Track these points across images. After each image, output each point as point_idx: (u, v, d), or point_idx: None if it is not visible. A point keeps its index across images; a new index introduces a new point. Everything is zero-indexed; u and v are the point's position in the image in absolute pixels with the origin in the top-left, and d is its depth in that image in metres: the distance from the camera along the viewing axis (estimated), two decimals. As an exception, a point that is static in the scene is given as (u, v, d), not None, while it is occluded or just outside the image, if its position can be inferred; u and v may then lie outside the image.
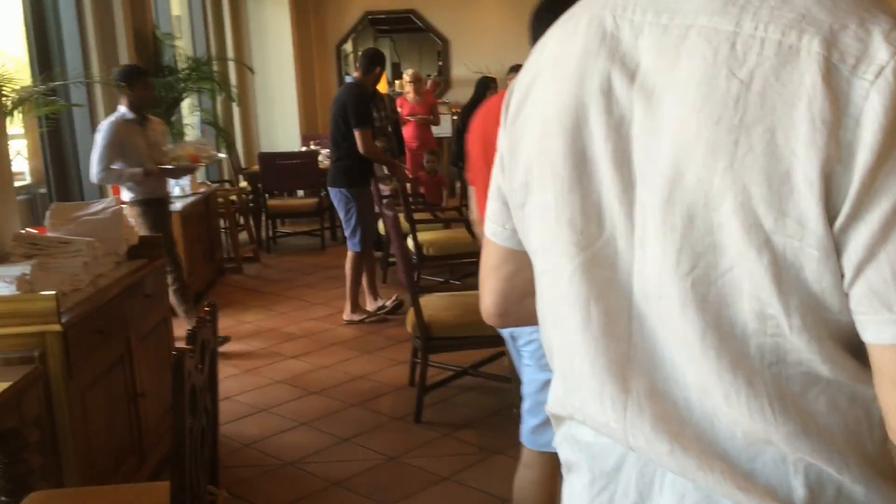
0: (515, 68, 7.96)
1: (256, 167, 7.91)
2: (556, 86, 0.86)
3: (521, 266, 0.99)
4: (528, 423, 2.21)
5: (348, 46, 11.36)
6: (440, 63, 11.42)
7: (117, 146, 4.40)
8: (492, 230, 1.03)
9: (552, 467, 2.10)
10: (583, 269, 0.85)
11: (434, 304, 3.84)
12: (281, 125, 9.87)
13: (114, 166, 4.41)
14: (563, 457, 0.98)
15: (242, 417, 3.85)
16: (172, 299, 4.66)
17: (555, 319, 0.91)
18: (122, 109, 4.51)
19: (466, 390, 4.05)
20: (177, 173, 5.02)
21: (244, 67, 9.10)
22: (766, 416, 0.75)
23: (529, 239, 0.94)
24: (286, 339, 5.04)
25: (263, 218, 7.94)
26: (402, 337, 4.84)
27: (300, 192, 8.51)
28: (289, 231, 8.46)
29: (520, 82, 0.94)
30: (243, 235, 7.55)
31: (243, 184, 8.05)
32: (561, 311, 0.89)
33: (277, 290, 6.32)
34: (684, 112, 0.75)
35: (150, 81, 4.72)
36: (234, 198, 7.30)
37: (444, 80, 11.20)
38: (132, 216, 4.50)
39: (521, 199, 0.93)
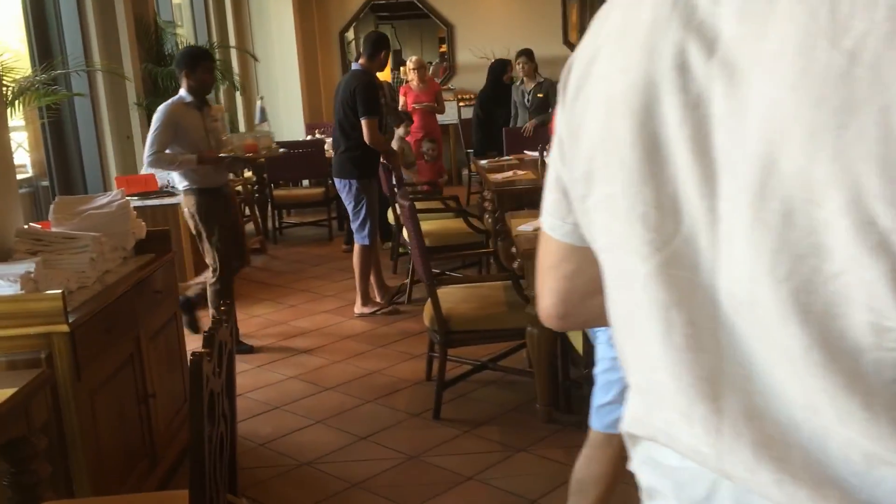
0: (523, 53, 7.77)
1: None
2: (621, 61, 0.75)
3: (582, 263, 0.88)
4: (596, 400, 2.12)
5: (351, 34, 11.20)
6: (442, 49, 11.26)
7: (172, 128, 4.13)
8: (550, 224, 0.91)
9: (618, 449, 2.01)
10: (659, 270, 0.74)
11: (451, 296, 3.72)
12: (285, 114, 9.72)
13: (168, 151, 4.14)
14: (643, 482, 0.87)
15: (256, 415, 3.73)
16: (210, 299, 4.39)
17: (629, 329, 0.80)
18: (182, 92, 4.27)
19: (486, 385, 3.93)
20: (232, 164, 4.63)
21: (247, 56, 8.95)
22: (888, 442, 0.64)
23: (594, 235, 0.83)
24: (297, 334, 4.93)
25: (269, 208, 7.82)
26: (414, 330, 4.73)
27: (306, 182, 8.39)
28: (295, 221, 8.34)
29: (579, 57, 0.83)
30: (249, 226, 7.43)
31: (248, 174, 7.92)
32: (636, 320, 0.78)
33: (286, 282, 6.20)
34: (777, 90, 0.63)
35: (212, 65, 4.41)
36: (239, 188, 7.18)
37: (449, 67, 11.05)
38: (186, 206, 4.30)
39: (584, 190, 0.82)
